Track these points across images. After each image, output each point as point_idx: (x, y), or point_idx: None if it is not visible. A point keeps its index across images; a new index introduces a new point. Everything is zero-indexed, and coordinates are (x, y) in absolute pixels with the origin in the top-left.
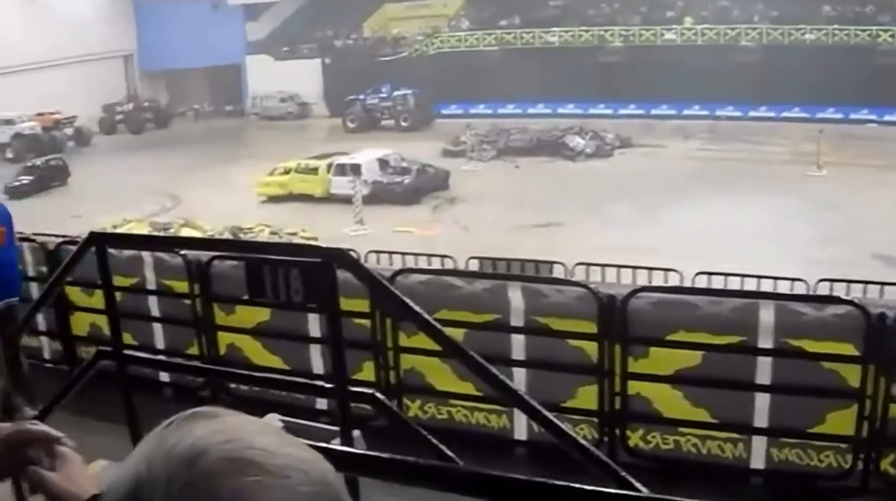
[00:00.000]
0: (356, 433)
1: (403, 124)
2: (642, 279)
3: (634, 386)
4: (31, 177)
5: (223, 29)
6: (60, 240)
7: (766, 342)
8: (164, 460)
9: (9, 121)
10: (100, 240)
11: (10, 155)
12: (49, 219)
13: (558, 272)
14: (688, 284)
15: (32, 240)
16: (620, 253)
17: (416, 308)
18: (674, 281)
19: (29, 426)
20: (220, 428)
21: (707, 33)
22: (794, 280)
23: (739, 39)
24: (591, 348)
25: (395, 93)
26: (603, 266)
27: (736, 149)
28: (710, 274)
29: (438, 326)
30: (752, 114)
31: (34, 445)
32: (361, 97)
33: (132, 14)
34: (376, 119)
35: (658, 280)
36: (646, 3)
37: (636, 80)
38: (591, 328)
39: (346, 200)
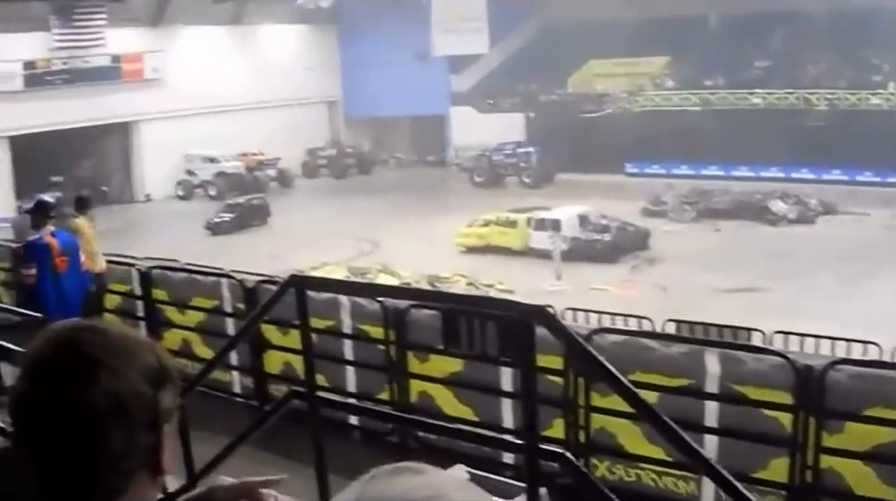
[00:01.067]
0: (542, 491)
1: (526, 180)
2: (841, 350)
3: (827, 461)
4: (232, 215)
5: (428, 79)
6: (259, 278)
7: None
8: None
9: (213, 160)
10: (299, 283)
11: (212, 192)
12: (248, 256)
13: (756, 339)
14: (887, 358)
15: (231, 277)
16: (819, 322)
17: (612, 369)
18: (873, 354)
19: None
20: (422, 484)
21: None
22: None
23: None
24: (786, 419)
25: (520, 150)
26: (801, 335)
27: None
28: None
29: (633, 388)
30: None
31: None
32: (488, 153)
33: (338, 62)
34: (500, 175)
35: (857, 352)
36: (851, 66)
37: (840, 145)
38: (787, 398)
39: (544, 255)
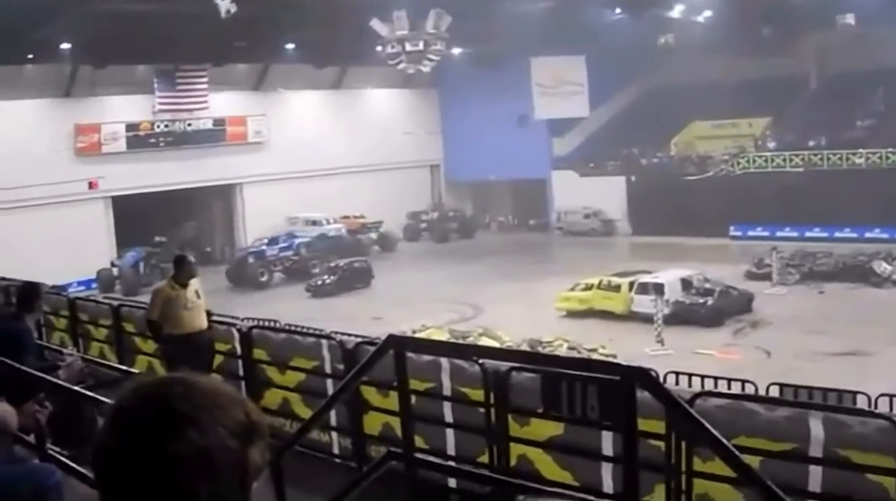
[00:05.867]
0: None
1: (315, 272)
2: None
3: None
4: (333, 278)
5: (529, 143)
6: (359, 340)
7: None
8: None
9: (315, 222)
10: (398, 344)
11: None
12: (350, 319)
13: (861, 403)
14: None
15: (331, 338)
16: None
17: (716, 433)
18: None
19: None
20: None
21: None
22: None
23: None
24: (890, 483)
25: (296, 241)
26: None
27: None
28: None
29: (737, 453)
30: None
31: None
32: (262, 248)
33: (440, 125)
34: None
35: None
36: None
37: None
38: (892, 462)
39: (647, 319)
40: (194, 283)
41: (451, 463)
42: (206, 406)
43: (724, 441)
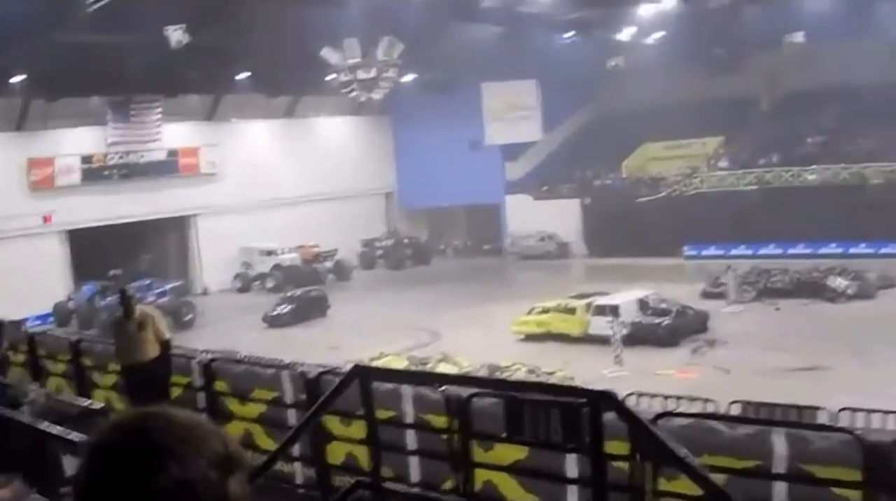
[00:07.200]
0: None
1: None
2: None
3: None
4: (290, 307)
5: (482, 168)
6: (320, 369)
7: None
8: None
9: (270, 252)
10: (364, 374)
11: (270, 285)
12: (307, 348)
13: (822, 417)
14: None
15: (292, 368)
16: (885, 397)
17: (682, 453)
18: None
19: None
20: None
21: None
22: None
23: None
24: (855, 496)
25: (168, 286)
26: (868, 411)
27: None
28: None
29: (704, 472)
30: None
31: None
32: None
33: (392, 152)
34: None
35: None
36: None
37: None
38: (856, 475)
39: (604, 341)
40: (139, 316)
41: (417, 490)
42: (186, 438)
43: (694, 461)
